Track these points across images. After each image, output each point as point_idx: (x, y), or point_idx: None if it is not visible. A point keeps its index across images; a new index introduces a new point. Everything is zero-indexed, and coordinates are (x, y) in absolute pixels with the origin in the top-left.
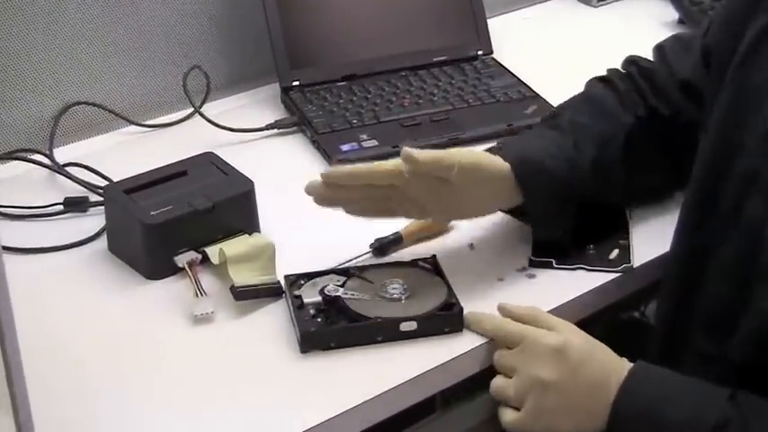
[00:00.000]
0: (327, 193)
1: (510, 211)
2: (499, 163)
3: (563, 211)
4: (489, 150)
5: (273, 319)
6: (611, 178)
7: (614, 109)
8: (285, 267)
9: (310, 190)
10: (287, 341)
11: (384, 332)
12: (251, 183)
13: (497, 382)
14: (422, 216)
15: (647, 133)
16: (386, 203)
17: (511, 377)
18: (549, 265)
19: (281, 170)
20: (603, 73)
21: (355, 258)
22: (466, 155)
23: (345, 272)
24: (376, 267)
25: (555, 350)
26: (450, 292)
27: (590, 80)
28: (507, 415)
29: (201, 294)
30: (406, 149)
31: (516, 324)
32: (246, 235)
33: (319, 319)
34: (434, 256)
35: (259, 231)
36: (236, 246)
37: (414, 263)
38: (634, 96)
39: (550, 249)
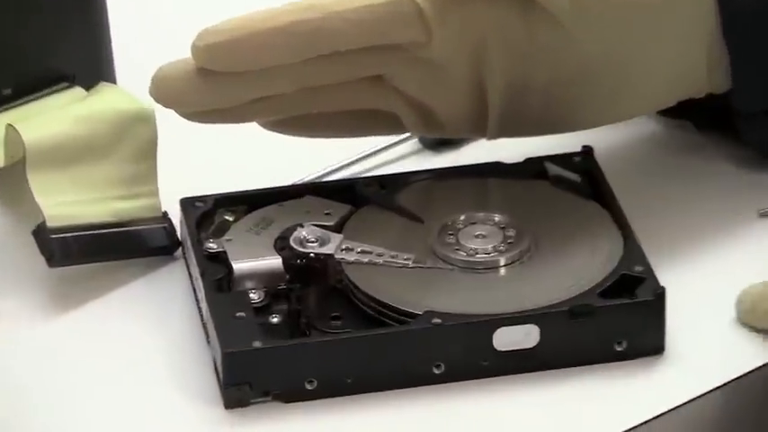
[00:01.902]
0: (216, 96)
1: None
2: None
3: None
4: None
5: (153, 319)
6: None
7: None
8: (183, 180)
9: (168, 92)
10: (189, 378)
11: (450, 355)
12: None
13: None
14: (464, 130)
15: None
16: (370, 100)
17: None
18: None
19: None
20: None
21: (371, 156)
22: None
23: (348, 192)
24: (429, 180)
25: None
26: (631, 245)
27: None
28: None
29: None
30: None
31: None
32: (82, 90)
33: (275, 319)
34: (590, 148)
35: (114, 81)
36: (52, 120)
37: (534, 167)
38: None
39: None
